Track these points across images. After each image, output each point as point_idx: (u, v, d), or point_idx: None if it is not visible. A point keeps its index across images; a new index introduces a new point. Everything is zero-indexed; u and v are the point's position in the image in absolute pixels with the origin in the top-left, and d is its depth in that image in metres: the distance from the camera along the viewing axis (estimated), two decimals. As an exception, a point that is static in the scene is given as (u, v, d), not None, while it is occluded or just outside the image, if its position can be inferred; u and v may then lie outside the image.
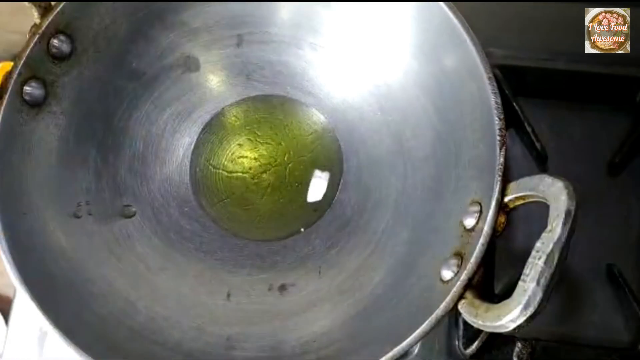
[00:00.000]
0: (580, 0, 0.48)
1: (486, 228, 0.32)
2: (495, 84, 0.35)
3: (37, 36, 0.40)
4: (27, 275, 0.36)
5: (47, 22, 0.40)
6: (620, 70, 0.48)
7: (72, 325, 0.36)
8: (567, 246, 0.28)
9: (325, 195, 0.46)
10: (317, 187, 0.46)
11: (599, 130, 0.49)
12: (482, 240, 0.32)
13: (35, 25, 0.40)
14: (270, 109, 0.49)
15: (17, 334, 0.48)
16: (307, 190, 0.46)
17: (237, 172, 0.47)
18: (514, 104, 0.47)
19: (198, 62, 0.48)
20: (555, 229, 0.28)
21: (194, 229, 0.46)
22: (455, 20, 0.37)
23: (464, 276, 0.32)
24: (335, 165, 0.47)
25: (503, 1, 0.53)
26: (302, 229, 0.45)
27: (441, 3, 0.38)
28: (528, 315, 0.27)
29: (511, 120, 0.47)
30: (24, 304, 0.35)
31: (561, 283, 0.44)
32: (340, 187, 0.46)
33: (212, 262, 0.44)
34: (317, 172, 0.46)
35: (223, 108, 0.49)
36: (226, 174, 0.47)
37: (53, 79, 0.41)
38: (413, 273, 0.38)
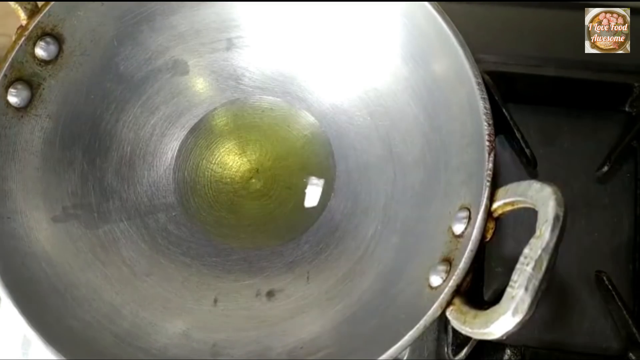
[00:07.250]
0: (580, 1, 0.48)
1: (475, 234, 0.32)
2: (484, 89, 0.35)
3: (24, 38, 0.40)
4: (10, 279, 0.36)
5: (33, 24, 0.40)
6: (609, 76, 0.49)
7: (55, 331, 0.35)
8: (555, 252, 0.27)
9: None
10: (312, 193, 0.46)
11: (588, 137, 0.49)
12: (470, 246, 0.32)
13: (21, 27, 0.40)
14: (260, 113, 0.48)
15: (1, 339, 0.47)
16: (296, 195, 0.46)
17: (225, 176, 0.47)
18: (504, 110, 0.47)
19: (187, 66, 0.47)
20: (543, 235, 0.27)
21: (181, 234, 0.45)
22: (445, 26, 0.37)
23: (452, 282, 0.31)
24: (325, 171, 0.46)
25: (497, 2, 0.53)
26: (294, 236, 0.45)
27: (431, 8, 0.38)
28: (516, 321, 0.27)
29: (501, 126, 0.47)
30: (7, 309, 0.35)
31: (550, 289, 0.44)
32: (330, 193, 0.46)
33: (199, 268, 0.44)
34: (313, 179, 0.46)
35: (212, 112, 0.48)
36: (214, 178, 0.47)
37: (39, 82, 0.41)
38: (401, 279, 0.38)
